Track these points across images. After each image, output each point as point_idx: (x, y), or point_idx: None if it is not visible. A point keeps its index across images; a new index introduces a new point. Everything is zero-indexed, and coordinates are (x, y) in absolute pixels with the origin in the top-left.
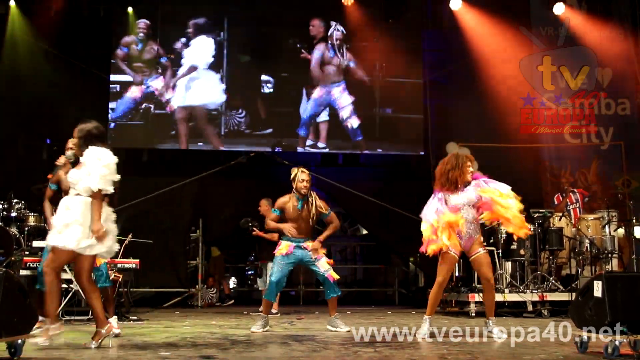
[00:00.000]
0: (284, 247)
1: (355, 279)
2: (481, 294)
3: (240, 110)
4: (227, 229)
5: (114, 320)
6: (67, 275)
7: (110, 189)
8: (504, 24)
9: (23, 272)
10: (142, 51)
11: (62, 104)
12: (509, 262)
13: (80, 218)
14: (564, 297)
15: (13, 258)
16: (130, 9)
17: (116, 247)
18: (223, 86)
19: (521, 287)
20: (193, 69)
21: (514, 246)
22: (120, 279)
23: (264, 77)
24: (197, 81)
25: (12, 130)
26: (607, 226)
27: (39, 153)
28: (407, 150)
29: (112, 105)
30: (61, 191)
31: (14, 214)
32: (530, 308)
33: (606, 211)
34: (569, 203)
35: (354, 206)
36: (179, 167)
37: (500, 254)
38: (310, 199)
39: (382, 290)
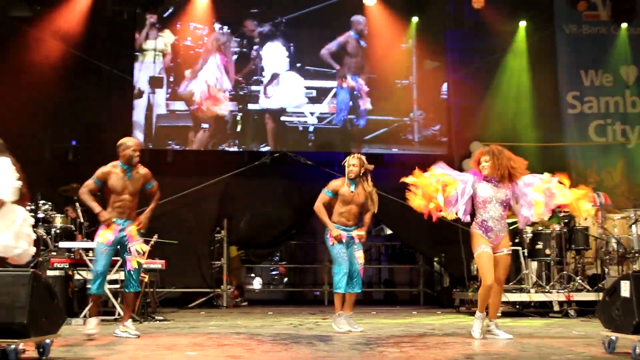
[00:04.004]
0: (337, 238)
1: (380, 279)
2: (507, 294)
3: None
4: (251, 229)
5: (129, 323)
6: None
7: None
8: (527, 21)
9: (50, 273)
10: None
11: (87, 106)
12: (535, 262)
13: None
14: (590, 297)
15: (40, 259)
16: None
17: (32, 250)
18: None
19: (547, 287)
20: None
21: (540, 246)
22: (146, 280)
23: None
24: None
25: (38, 133)
26: (634, 225)
27: (65, 155)
28: (430, 150)
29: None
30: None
31: (41, 215)
32: (556, 308)
33: (633, 210)
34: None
35: (378, 206)
36: (203, 167)
37: (526, 254)
38: (363, 184)
39: (407, 290)
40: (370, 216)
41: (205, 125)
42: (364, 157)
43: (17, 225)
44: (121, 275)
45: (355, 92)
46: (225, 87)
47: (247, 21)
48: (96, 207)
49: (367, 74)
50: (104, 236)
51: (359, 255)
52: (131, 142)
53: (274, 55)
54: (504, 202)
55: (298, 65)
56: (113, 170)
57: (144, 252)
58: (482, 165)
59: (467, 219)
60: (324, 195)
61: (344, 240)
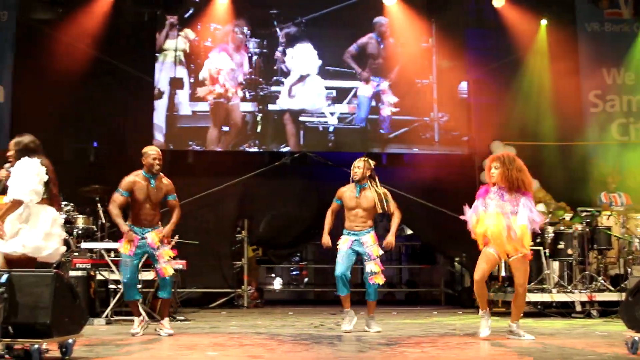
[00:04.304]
0: (342, 241)
1: (401, 279)
2: (528, 294)
3: None
4: (271, 230)
5: (166, 322)
6: (116, 275)
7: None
8: (549, 20)
9: (72, 273)
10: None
11: (108, 107)
12: (557, 262)
13: (17, 225)
14: (613, 297)
15: (63, 259)
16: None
17: (62, 249)
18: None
19: (569, 287)
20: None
21: (562, 246)
22: None
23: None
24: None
25: (60, 134)
26: None
27: (86, 156)
28: (451, 150)
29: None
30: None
31: (63, 216)
32: (578, 308)
33: None
34: (613, 203)
35: (398, 206)
36: (224, 168)
37: (548, 254)
38: (370, 187)
39: (428, 290)
40: (396, 220)
41: (226, 129)
42: (370, 161)
43: (46, 225)
44: (143, 275)
45: (375, 92)
46: (244, 88)
47: (267, 21)
48: (122, 225)
49: (387, 74)
50: (125, 247)
51: (370, 267)
52: (152, 151)
53: (301, 56)
54: (508, 216)
55: (318, 65)
56: (137, 180)
57: (171, 258)
58: (491, 171)
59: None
60: (333, 202)
61: (344, 246)
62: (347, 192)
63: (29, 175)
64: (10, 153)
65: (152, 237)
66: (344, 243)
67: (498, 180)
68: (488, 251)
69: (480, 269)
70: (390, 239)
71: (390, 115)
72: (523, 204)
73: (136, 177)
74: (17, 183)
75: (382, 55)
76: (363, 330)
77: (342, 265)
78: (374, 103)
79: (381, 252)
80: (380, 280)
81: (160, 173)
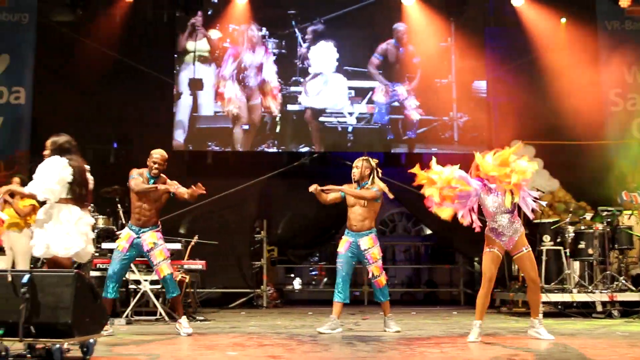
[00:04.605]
0: (341, 242)
1: (420, 279)
2: (548, 294)
3: None
4: (290, 230)
5: (184, 320)
6: (135, 275)
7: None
8: (568, 18)
9: (93, 274)
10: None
11: (128, 108)
12: (577, 262)
13: (46, 225)
14: (634, 297)
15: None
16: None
17: (91, 249)
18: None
19: (590, 287)
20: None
21: (582, 245)
22: (187, 280)
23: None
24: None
25: (80, 135)
26: None
27: (106, 157)
28: (470, 149)
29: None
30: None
31: (90, 218)
32: (599, 308)
33: None
34: (633, 202)
35: (417, 206)
36: (243, 168)
37: (568, 254)
38: (366, 186)
39: (447, 290)
40: (362, 192)
41: (246, 127)
42: (372, 160)
43: (71, 225)
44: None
45: (392, 99)
46: (266, 86)
47: (285, 22)
48: (153, 186)
49: (406, 74)
50: (120, 243)
51: (372, 270)
52: (156, 154)
53: (321, 56)
54: (510, 210)
55: (337, 65)
56: (142, 177)
57: (165, 258)
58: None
59: (465, 222)
60: (338, 192)
61: (342, 251)
62: (349, 188)
63: (49, 173)
64: (46, 152)
65: (147, 237)
66: (342, 245)
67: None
68: (490, 251)
69: (491, 269)
70: (331, 187)
71: (419, 118)
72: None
73: (140, 175)
74: (36, 179)
75: (402, 61)
76: (383, 330)
77: (341, 271)
78: (391, 103)
79: (381, 254)
80: (384, 281)
81: (163, 176)
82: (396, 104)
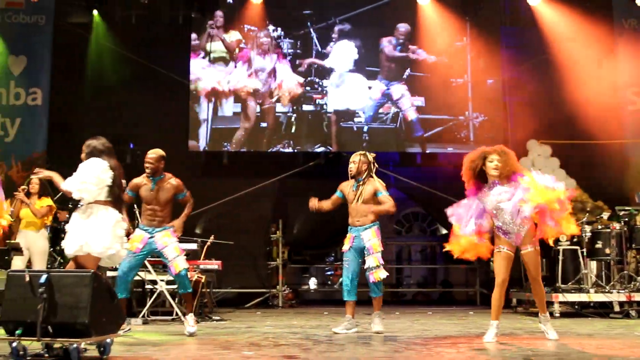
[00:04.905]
0: (345, 241)
1: (436, 279)
2: (565, 294)
3: None
4: (306, 230)
5: (190, 318)
6: (152, 276)
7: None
8: (585, 17)
9: (110, 274)
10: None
11: (143, 109)
12: (594, 262)
13: (84, 224)
14: None
15: None
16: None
17: (124, 252)
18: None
19: (607, 287)
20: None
21: (599, 245)
22: (203, 280)
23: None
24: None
25: (97, 136)
26: None
27: (122, 158)
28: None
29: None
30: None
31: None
32: (617, 309)
33: None
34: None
35: (433, 206)
36: (258, 168)
37: (585, 253)
38: (363, 182)
39: (464, 290)
40: (383, 208)
41: (261, 129)
42: (369, 155)
43: (109, 227)
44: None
45: (408, 92)
46: (278, 88)
47: (300, 22)
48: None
49: (421, 74)
50: (132, 244)
51: (370, 261)
52: (149, 153)
53: (336, 56)
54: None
55: (352, 65)
56: (142, 182)
57: (179, 254)
58: (493, 166)
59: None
60: (334, 195)
61: (347, 247)
62: (348, 186)
63: (89, 173)
64: (82, 155)
65: (160, 236)
66: (347, 242)
67: (498, 174)
68: (500, 251)
69: (501, 272)
70: (364, 207)
71: (425, 115)
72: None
73: (142, 179)
74: (74, 177)
75: (400, 60)
76: (408, 330)
77: (348, 270)
78: (406, 103)
79: (382, 248)
80: (381, 275)
81: (167, 174)
82: (406, 103)
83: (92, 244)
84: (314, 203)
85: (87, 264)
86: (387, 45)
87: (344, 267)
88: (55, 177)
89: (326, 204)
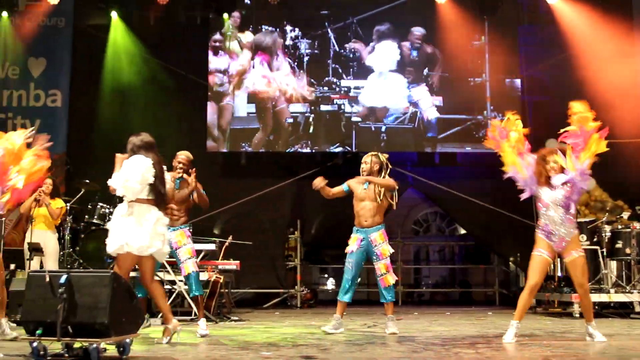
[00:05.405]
0: (351, 240)
1: (454, 279)
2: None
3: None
4: (324, 230)
5: (202, 321)
6: (170, 276)
7: (128, 193)
8: (604, 14)
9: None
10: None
11: (162, 110)
12: (614, 262)
13: (125, 222)
14: None
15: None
16: (225, 16)
17: (167, 249)
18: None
19: (627, 287)
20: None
21: (619, 245)
22: (221, 281)
23: None
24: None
25: (116, 137)
26: None
27: None
28: None
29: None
30: None
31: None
32: (637, 309)
33: None
34: None
35: (451, 205)
36: (277, 169)
37: (605, 253)
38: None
39: (482, 290)
40: (385, 181)
41: (278, 130)
42: (382, 156)
43: (150, 225)
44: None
45: (427, 91)
46: (298, 89)
47: (318, 22)
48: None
49: (438, 73)
50: None
51: (379, 267)
52: (180, 154)
53: (356, 55)
54: (562, 204)
55: (370, 65)
56: (170, 179)
57: (191, 256)
58: (551, 167)
59: (524, 195)
60: (340, 186)
61: (354, 249)
62: (358, 185)
63: (133, 171)
64: (126, 154)
65: (175, 235)
66: (353, 243)
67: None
68: (539, 255)
69: (534, 274)
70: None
71: (443, 114)
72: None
73: (170, 176)
74: (119, 174)
75: (416, 63)
76: (426, 331)
77: (350, 271)
78: (424, 102)
79: (391, 250)
80: (390, 280)
81: (186, 176)
82: (424, 102)
83: (132, 243)
84: (319, 181)
85: (127, 262)
86: (405, 50)
87: (346, 267)
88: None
89: (330, 190)
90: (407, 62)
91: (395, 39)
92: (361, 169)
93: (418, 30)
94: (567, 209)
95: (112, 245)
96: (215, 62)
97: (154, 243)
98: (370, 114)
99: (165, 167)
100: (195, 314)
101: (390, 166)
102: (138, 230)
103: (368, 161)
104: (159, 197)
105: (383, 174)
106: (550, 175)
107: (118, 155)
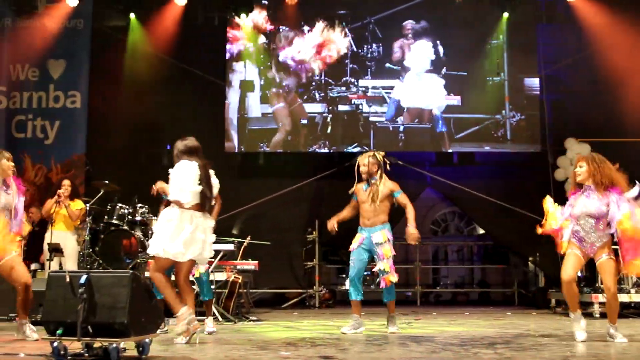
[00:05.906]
0: (355, 240)
1: (473, 279)
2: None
3: None
4: (342, 230)
5: (210, 319)
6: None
7: (183, 200)
8: (624, 12)
9: (148, 274)
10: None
11: (180, 111)
12: None
13: (165, 228)
14: None
15: (139, 260)
16: (243, 16)
17: (207, 254)
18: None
19: None
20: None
21: None
22: (240, 281)
23: None
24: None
25: (134, 139)
26: None
27: (159, 159)
28: (523, 148)
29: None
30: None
31: (138, 218)
32: None
33: None
34: None
35: (470, 205)
36: (295, 169)
37: None
38: (375, 182)
39: (501, 290)
40: (411, 212)
41: (296, 130)
42: (378, 155)
43: (187, 233)
44: (216, 276)
45: (444, 89)
46: (314, 89)
47: (335, 22)
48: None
49: (457, 72)
50: None
51: (380, 265)
52: None
53: (375, 55)
54: (594, 215)
55: (387, 65)
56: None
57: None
58: (576, 170)
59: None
60: (352, 200)
61: (354, 247)
62: (360, 187)
63: (184, 179)
64: (175, 159)
65: None
66: (355, 241)
67: (584, 178)
68: (574, 252)
69: (568, 269)
70: (412, 231)
71: (461, 114)
72: (614, 200)
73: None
74: (174, 185)
75: (438, 54)
76: (444, 331)
77: (354, 268)
78: (442, 102)
79: (393, 252)
80: (392, 279)
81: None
82: (441, 102)
83: (169, 249)
84: (331, 225)
85: (163, 262)
86: (401, 45)
87: (350, 266)
88: (167, 189)
89: (345, 213)
90: (403, 57)
91: (429, 37)
92: (360, 171)
93: (410, 24)
94: (598, 219)
95: (152, 249)
96: (232, 62)
97: (190, 250)
98: (417, 115)
99: (212, 171)
100: (214, 314)
101: (388, 164)
102: (175, 237)
103: (366, 163)
104: (204, 200)
105: (380, 173)
106: (577, 181)
107: (159, 182)
